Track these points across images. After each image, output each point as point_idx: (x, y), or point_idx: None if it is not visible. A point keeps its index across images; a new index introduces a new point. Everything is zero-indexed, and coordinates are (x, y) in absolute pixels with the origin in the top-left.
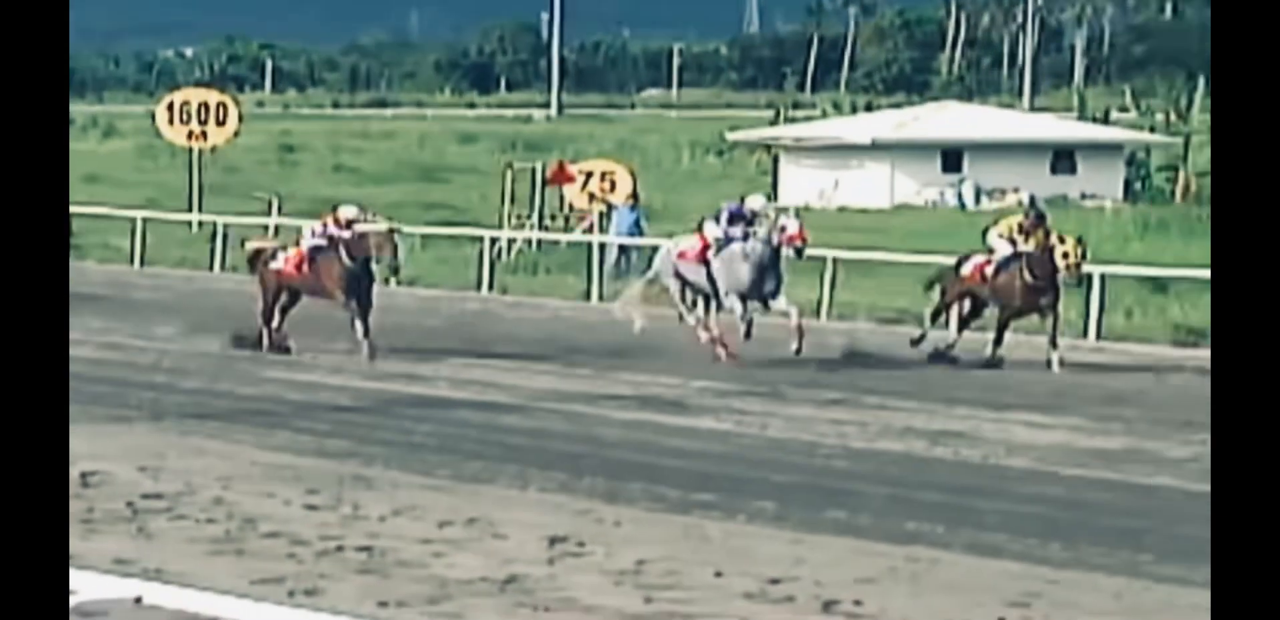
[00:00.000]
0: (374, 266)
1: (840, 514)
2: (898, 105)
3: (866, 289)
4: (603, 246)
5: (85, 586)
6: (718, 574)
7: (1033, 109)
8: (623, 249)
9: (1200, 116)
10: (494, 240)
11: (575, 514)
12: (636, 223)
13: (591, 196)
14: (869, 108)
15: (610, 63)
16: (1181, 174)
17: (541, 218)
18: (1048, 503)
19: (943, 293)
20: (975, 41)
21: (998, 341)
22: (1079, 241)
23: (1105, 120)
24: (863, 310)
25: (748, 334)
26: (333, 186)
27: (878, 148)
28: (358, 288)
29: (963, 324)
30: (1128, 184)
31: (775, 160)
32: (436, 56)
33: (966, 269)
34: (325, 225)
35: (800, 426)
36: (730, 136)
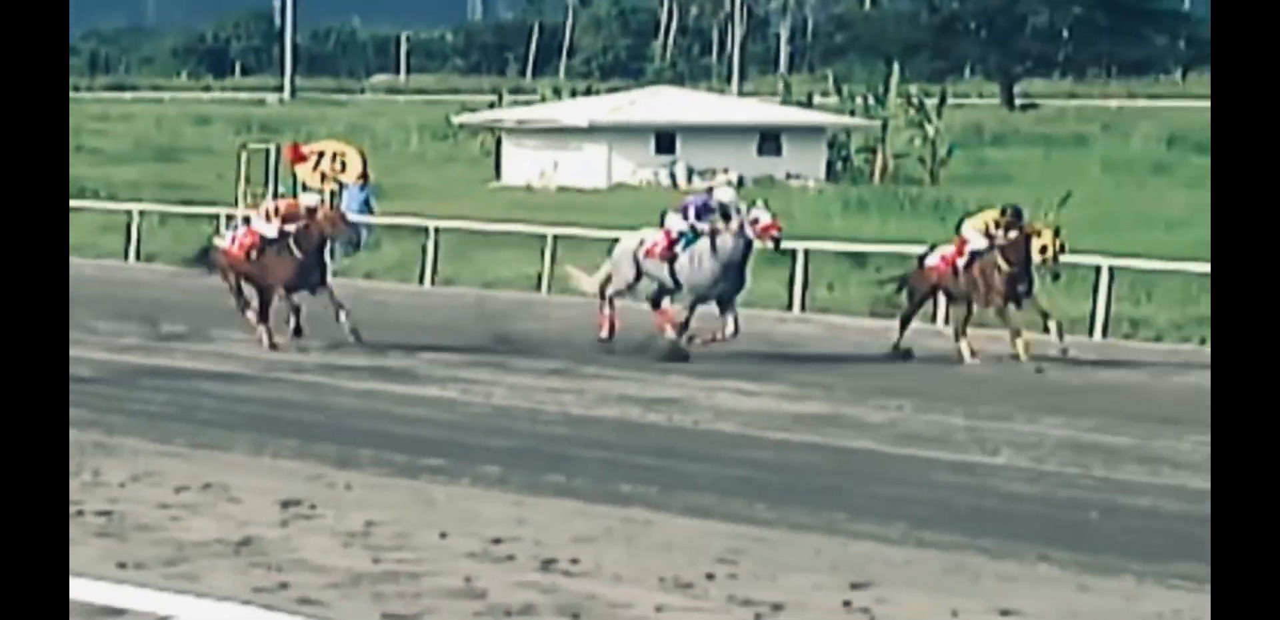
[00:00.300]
0: (330, 249)
1: (560, 477)
2: (614, 90)
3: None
4: None
5: None
6: (443, 535)
7: (741, 94)
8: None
9: (896, 101)
10: (230, 218)
11: (307, 479)
12: (366, 201)
13: (323, 176)
14: (587, 92)
15: (341, 49)
16: (879, 155)
17: (275, 196)
18: (755, 465)
19: (910, 292)
20: (686, 30)
21: (959, 335)
22: (1057, 233)
23: (808, 104)
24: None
25: (685, 326)
26: (73, 167)
27: (595, 130)
28: (307, 282)
29: (913, 314)
30: (829, 165)
31: (498, 142)
32: (173, 42)
33: (933, 260)
34: (278, 210)
35: (522, 395)
36: (455, 119)
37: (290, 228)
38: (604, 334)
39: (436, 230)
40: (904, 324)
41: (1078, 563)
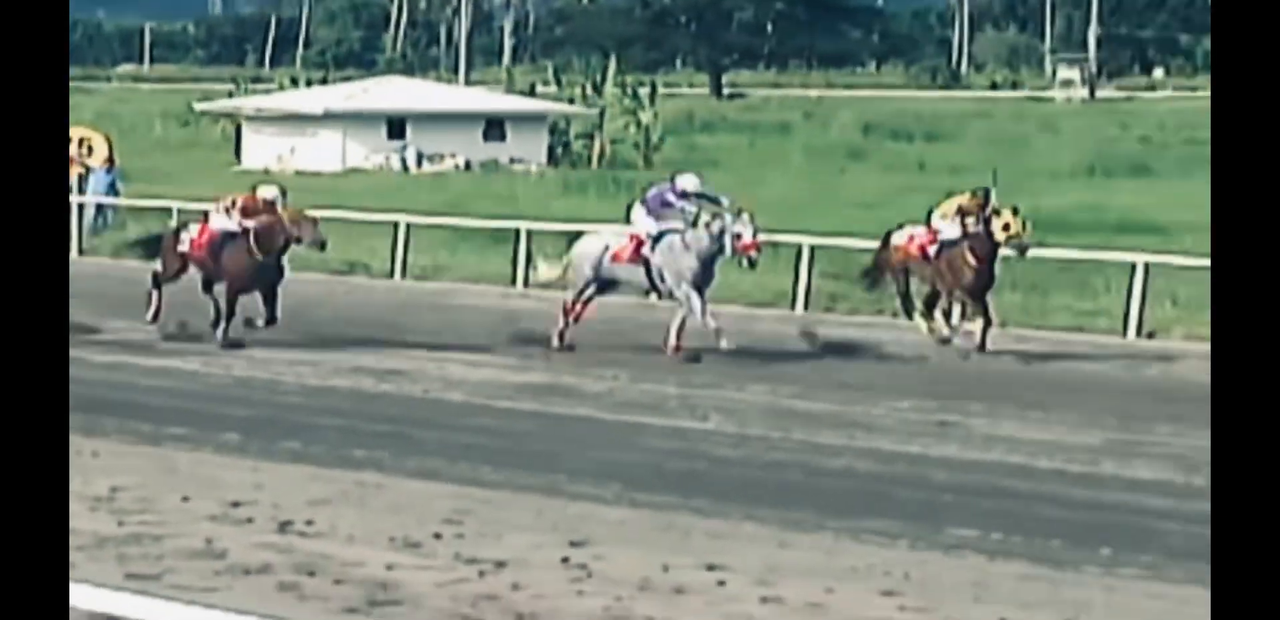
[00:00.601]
0: (289, 251)
1: (296, 444)
2: (348, 79)
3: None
4: (81, 206)
5: None
6: (185, 499)
7: (467, 83)
8: (100, 208)
9: (612, 90)
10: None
11: None
12: (112, 184)
13: (70, 160)
14: (323, 82)
15: (88, 40)
16: (597, 141)
17: None
18: (480, 432)
19: (879, 266)
20: (416, 23)
21: (951, 326)
22: (1015, 211)
23: (530, 94)
24: (316, 262)
25: (718, 332)
26: None
27: (330, 117)
28: (264, 281)
29: (906, 301)
30: (551, 150)
31: (238, 128)
32: None
33: (900, 239)
34: (236, 204)
35: (261, 366)
36: (197, 107)
37: (250, 223)
38: (555, 341)
39: (179, 211)
40: (904, 299)
41: (780, 520)
